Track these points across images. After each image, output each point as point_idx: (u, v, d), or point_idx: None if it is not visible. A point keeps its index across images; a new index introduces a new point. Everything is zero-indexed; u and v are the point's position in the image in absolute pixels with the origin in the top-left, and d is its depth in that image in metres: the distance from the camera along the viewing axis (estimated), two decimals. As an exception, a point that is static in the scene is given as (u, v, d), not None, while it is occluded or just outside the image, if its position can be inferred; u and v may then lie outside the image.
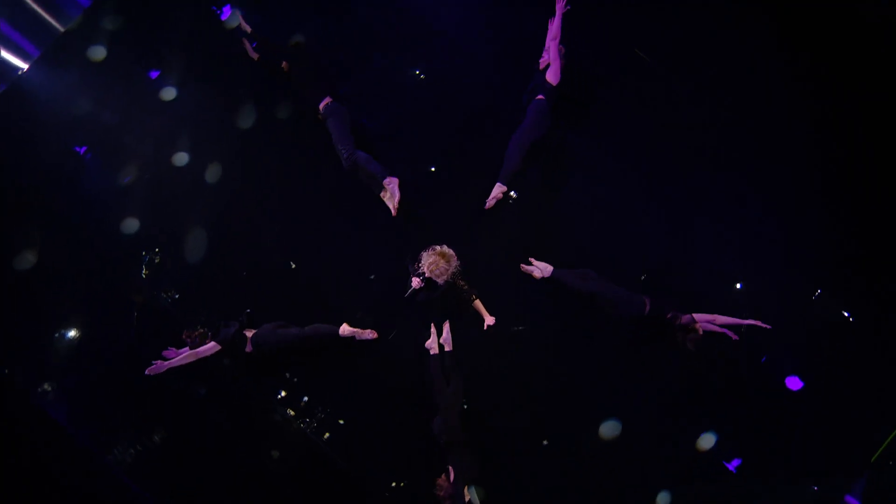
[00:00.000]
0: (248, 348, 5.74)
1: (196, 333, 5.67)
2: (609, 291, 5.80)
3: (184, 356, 5.63)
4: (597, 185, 6.54)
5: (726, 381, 6.32)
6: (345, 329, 5.74)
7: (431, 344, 6.03)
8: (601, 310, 5.87)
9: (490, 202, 5.92)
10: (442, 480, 5.68)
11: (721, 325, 5.71)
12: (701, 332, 5.59)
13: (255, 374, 6.12)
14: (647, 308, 5.72)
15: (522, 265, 6.10)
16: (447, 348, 6.02)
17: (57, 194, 6.44)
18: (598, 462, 6.20)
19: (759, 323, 5.66)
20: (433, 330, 6.06)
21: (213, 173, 6.48)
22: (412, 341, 6.26)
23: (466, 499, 5.54)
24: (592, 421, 6.20)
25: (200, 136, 6.55)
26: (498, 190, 5.89)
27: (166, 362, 5.59)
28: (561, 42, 5.86)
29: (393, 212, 5.98)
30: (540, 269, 6.04)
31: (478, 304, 5.94)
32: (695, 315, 5.62)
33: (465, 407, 6.07)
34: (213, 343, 5.66)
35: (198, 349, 5.64)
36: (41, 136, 6.51)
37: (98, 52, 6.59)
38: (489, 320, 5.95)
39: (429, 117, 6.58)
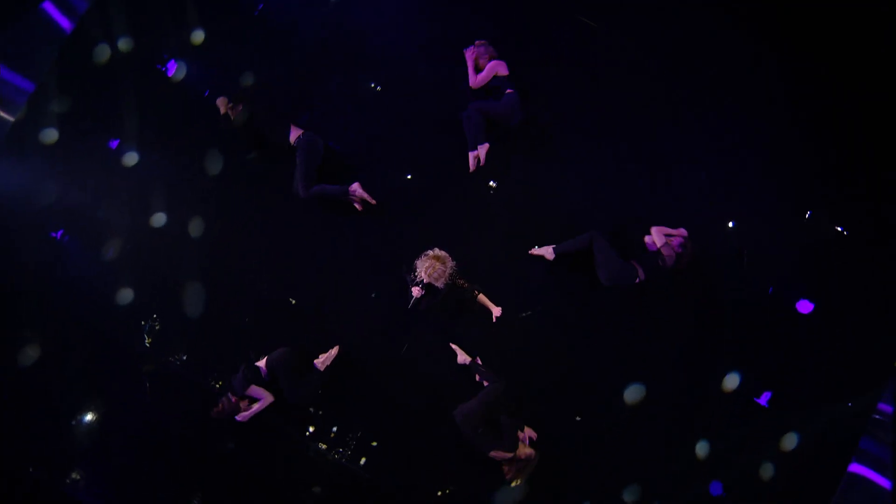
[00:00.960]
0: (266, 377, 5.78)
1: (226, 402, 5.71)
2: (606, 260, 5.90)
3: (253, 412, 5.75)
4: (575, 157, 6.60)
5: (738, 321, 6.39)
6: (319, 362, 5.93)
7: (463, 359, 6.07)
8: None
9: (473, 165, 6.25)
10: (495, 453, 5.66)
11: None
12: (675, 242, 5.88)
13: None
14: (641, 276, 5.89)
15: (531, 250, 6.21)
16: (466, 360, 6.07)
17: (44, 284, 6.35)
18: (632, 425, 6.25)
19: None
20: (456, 348, 6.09)
21: (194, 226, 6.44)
22: (425, 351, 6.29)
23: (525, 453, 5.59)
24: (617, 389, 6.27)
25: (173, 192, 6.50)
26: (482, 151, 6.19)
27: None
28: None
29: (371, 201, 6.11)
30: (544, 253, 6.12)
31: (482, 298, 5.97)
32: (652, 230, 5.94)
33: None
34: (258, 391, 5.74)
35: (255, 406, 5.77)
36: (14, 230, 6.42)
37: (50, 135, 6.54)
38: (496, 311, 6.00)
39: (395, 126, 6.59)
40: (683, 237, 5.97)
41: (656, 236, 5.95)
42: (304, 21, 6.75)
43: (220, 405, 5.73)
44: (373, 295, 6.37)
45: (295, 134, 6.17)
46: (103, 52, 6.63)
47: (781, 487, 6.16)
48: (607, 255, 5.91)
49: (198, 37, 6.71)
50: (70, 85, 6.60)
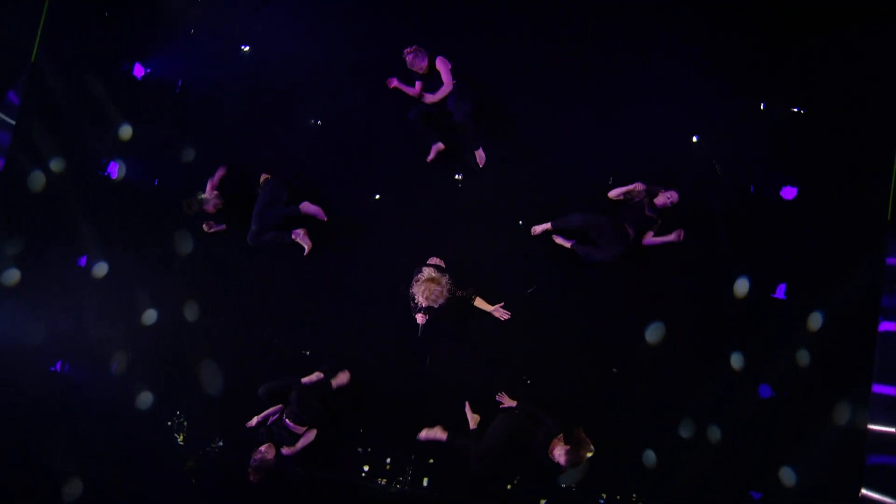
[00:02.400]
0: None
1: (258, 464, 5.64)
2: (596, 231, 6.00)
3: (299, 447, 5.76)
4: (532, 129, 6.62)
5: (731, 227, 6.48)
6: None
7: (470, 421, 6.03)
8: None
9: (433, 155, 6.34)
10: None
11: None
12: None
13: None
14: (632, 235, 5.97)
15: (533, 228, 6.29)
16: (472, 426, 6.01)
17: (63, 418, 6.30)
18: (664, 362, 6.32)
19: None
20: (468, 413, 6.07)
21: (188, 311, 6.40)
22: (444, 361, 6.32)
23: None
24: (637, 334, 6.33)
25: (153, 285, 6.48)
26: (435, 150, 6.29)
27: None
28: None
29: (307, 250, 6.17)
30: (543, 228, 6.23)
31: (479, 302, 5.83)
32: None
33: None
34: (300, 429, 5.73)
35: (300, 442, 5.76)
36: (14, 377, 6.36)
37: (13, 276, 6.46)
38: (498, 314, 5.93)
39: (347, 153, 6.60)
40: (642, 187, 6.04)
41: (614, 194, 6.05)
42: (226, 81, 6.73)
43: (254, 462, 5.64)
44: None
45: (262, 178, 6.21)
46: (38, 179, 6.57)
47: (823, 369, 6.26)
48: (594, 222, 5.99)
49: (126, 132, 6.65)
50: (16, 221, 6.54)
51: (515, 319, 6.03)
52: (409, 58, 6.06)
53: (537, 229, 6.25)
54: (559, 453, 5.28)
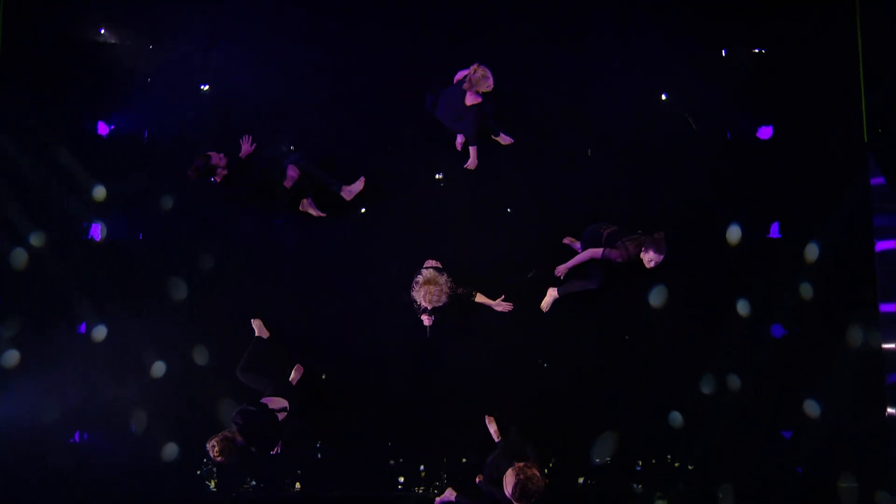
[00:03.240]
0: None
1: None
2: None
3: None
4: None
5: (715, 177, 6.53)
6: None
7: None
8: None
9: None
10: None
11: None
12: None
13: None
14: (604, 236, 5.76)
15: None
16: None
17: (90, 487, 6.25)
18: (671, 323, 6.36)
19: None
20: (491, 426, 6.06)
21: (197, 355, 6.36)
22: (462, 364, 6.33)
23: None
24: (641, 301, 6.37)
25: (156, 337, 6.43)
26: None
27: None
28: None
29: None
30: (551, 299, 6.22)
31: (480, 297, 5.82)
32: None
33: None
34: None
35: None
36: (37, 454, 6.28)
37: (12, 357, 6.39)
38: (499, 307, 5.95)
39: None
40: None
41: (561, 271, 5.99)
42: (192, 122, 6.68)
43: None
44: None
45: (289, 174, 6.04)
46: (20, 256, 6.49)
47: (828, 298, 6.35)
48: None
49: (100, 193, 6.58)
50: (7, 302, 6.46)
51: (521, 308, 6.05)
52: (477, 74, 5.58)
53: (547, 302, 6.23)
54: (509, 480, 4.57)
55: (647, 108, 6.61)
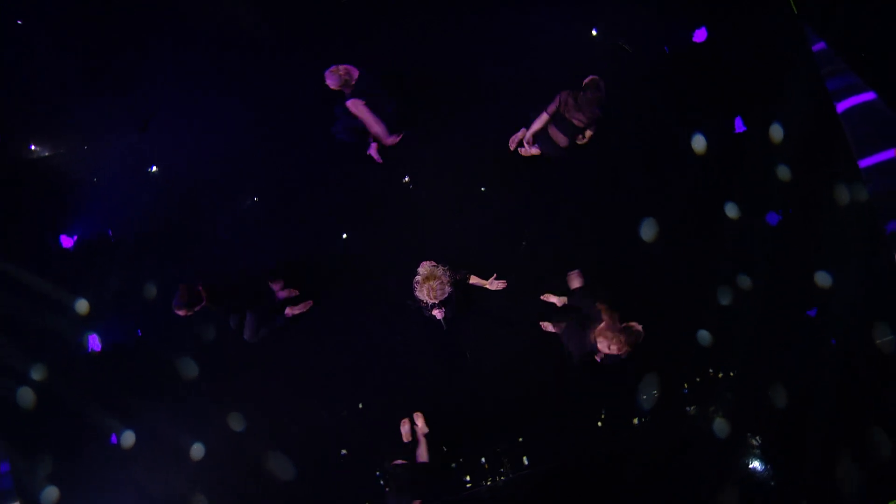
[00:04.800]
0: None
1: None
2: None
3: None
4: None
5: (664, 93, 6.60)
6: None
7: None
8: None
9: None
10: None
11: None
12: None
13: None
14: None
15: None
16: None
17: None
18: (673, 251, 6.43)
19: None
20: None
21: (232, 421, 6.34)
22: (479, 347, 6.38)
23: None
24: (633, 238, 6.44)
25: (187, 421, 6.40)
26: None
27: None
28: None
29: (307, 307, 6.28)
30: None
31: (474, 279, 5.84)
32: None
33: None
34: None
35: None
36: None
37: (52, 494, 6.30)
38: (493, 286, 5.95)
39: (298, 212, 6.57)
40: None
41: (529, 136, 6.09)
42: (151, 206, 6.57)
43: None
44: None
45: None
46: (28, 395, 6.39)
47: (807, 171, 6.47)
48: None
49: (82, 306, 6.48)
50: (32, 442, 6.37)
51: (518, 280, 6.10)
52: (335, 77, 5.69)
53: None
54: (603, 343, 4.89)
55: (581, 46, 6.63)
